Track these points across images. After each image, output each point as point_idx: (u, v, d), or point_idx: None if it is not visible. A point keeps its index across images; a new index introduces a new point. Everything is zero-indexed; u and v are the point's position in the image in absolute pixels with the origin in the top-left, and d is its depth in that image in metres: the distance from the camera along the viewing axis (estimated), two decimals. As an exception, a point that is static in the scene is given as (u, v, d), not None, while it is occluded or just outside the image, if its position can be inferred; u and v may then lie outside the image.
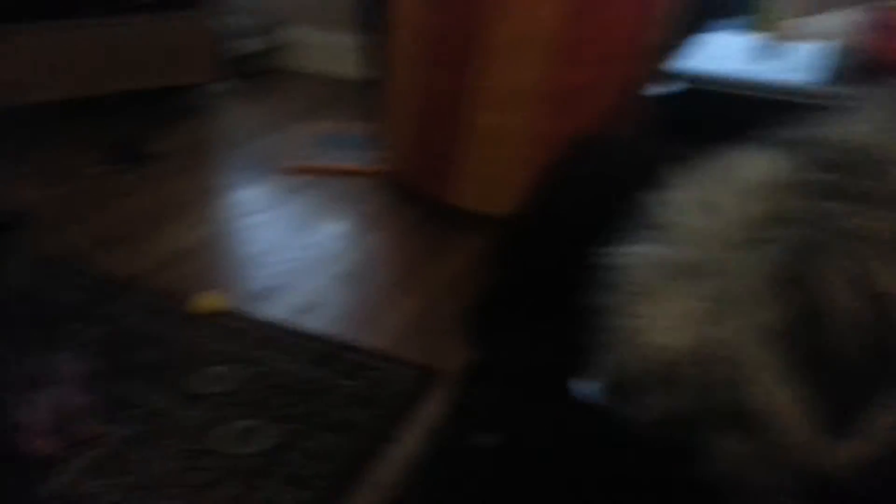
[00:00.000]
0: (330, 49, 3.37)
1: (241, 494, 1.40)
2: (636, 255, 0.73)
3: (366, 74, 2.76)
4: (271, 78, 3.40)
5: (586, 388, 0.88)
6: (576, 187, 1.02)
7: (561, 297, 0.97)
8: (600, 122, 2.10)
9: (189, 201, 2.43)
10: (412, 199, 2.40)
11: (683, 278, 0.68)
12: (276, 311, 1.92)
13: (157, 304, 1.90)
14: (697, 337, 0.66)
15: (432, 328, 1.85)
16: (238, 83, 3.24)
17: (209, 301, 1.89)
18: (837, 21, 2.06)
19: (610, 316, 0.73)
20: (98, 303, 1.90)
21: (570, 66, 2.07)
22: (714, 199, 0.71)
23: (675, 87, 1.63)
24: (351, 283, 2.06)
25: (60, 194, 2.43)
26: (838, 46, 2.03)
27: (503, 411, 0.90)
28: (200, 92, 3.09)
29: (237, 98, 3.18)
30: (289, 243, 2.23)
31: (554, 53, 2.04)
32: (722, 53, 2.08)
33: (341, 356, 1.75)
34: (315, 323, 1.88)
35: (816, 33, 2.10)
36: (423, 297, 1.99)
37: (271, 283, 2.03)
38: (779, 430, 0.65)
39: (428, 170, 2.36)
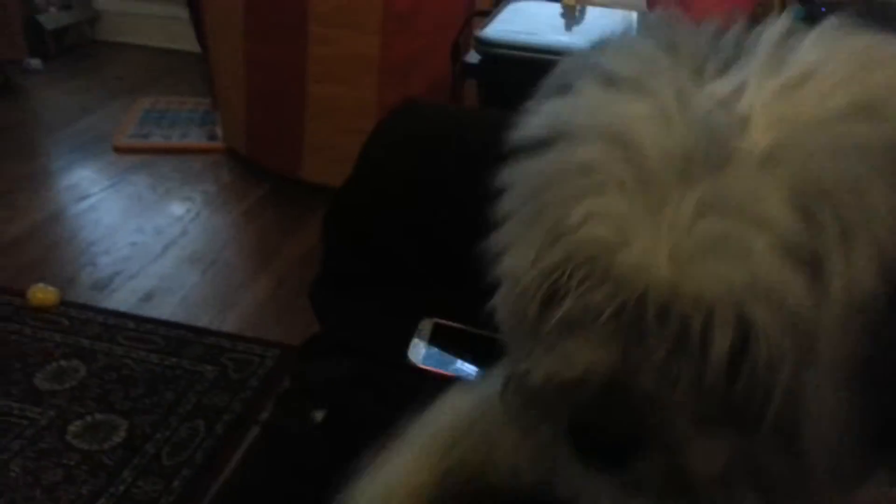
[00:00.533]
0: (157, 20, 3.21)
1: (100, 490, 1.35)
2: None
3: (198, 47, 2.66)
4: (93, 51, 3.19)
5: (420, 353, 0.87)
6: (397, 153, 0.98)
7: (394, 263, 0.97)
8: (431, 90, 2.13)
9: (9, 189, 2.25)
10: (257, 174, 2.35)
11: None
12: (120, 299, 1.83)
13: (-13, 299, 1.77)
14: (712, 268, 0.39)
15: (290, 305, 1.84)
16: (55, 58, 3.02)
17: (45, 294, 1.77)
18: None
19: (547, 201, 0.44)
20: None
21: (404, 35, 2.08)
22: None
23: (480, 54, 1.65)
24: (198, 265, 1.99)
25: None
26: (636, 12, 2.12)
27: (333, 385, 0.87)
28: (11, 69, 2.85)
29: (55, 74, 2.97)
30: (128, 227, 2.12)
31: (387, 22, 2.05)
32: (527, 21, 2.12)
33: (197, 341, 1.70)
34: (162, 310, 1.80)
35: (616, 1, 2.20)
36: (276, 275, 1.96)
37: (112, 271, 1.93)
38: (808, 446, 0.42)
39: (270, 144, 2.32)
